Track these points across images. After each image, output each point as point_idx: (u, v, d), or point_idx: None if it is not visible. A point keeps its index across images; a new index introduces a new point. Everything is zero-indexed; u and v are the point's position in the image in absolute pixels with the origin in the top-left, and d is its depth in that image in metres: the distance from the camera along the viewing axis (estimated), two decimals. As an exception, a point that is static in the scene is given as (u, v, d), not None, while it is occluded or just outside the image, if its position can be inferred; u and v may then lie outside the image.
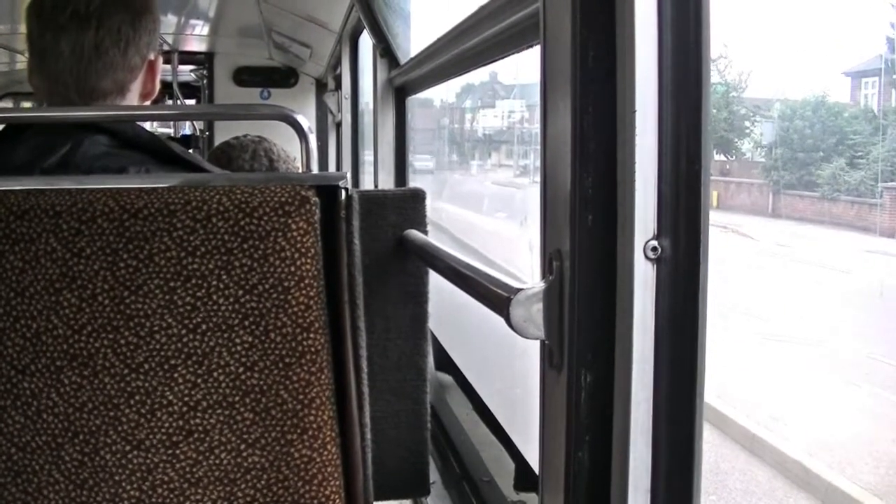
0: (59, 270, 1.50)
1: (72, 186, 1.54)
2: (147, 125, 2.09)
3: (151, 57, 2.07)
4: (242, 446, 1.57)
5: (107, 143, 1.93)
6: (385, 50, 4.24)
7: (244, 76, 8.17)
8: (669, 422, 1.30)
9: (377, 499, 1.81)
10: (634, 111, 1.27)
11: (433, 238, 2.20)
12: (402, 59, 4.13)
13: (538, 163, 1.48)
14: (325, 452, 1.59)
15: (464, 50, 2.80)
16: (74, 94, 1.97)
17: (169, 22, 6.87)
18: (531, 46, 2.20)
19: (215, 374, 1.54)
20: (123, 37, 1.99)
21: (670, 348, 1.29)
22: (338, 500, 1.63)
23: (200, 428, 1.56)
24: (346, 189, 1.61)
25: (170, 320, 1.53)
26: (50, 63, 1.96)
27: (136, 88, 2.06)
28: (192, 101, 9.66)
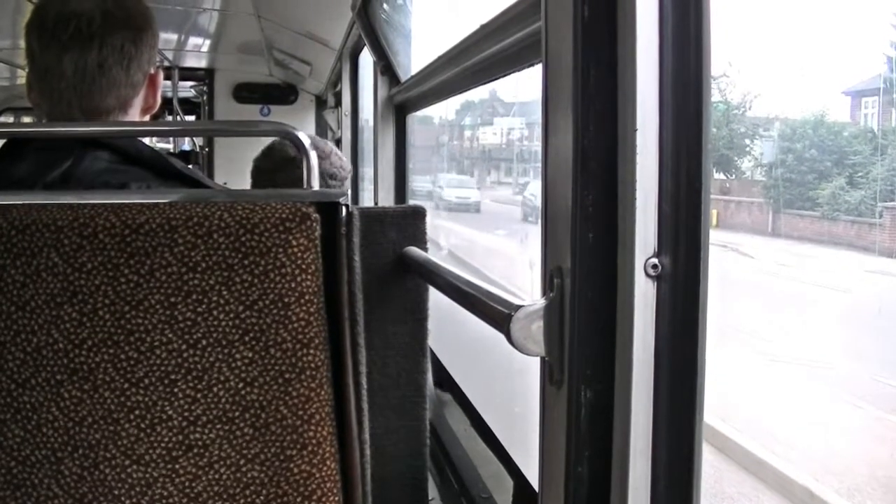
0: (61, 285, 1.51)
1: (73, 201, 1.54)
2: (146, 140, 2.10)
3: (152, 71, 2.08)
4: (242, 461, 1.57)
5: (108, 159, 1.93)
6: (385, 67, 4.25)
7: (244, 92, 8.19)
8: (669, 438, 1.30)
9: (376, 515, 1.81)
10: (636, 130, 1.28)
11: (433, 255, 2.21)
12: (403, 77, 4.14)
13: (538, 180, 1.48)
14: (325, 468, 1.59)
15: (465, 68, 2.81)
16: (77, 111, 1.97)
17: (169, 39, 6.89)
18: (532, 65, 2.20)
19: (215, 389, 1.54)
20: (126, 54, 1.99)
21: (670, 365, 1.29)
22: None
23: (200, 443, 1.56)
24: (347, 206, 1.61)
25: (170, 335, 1.53)
26: (52, 81, 1.97)
27: (137, 104, 2.06)
28: (191, 117, 9.68)
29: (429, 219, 2.29)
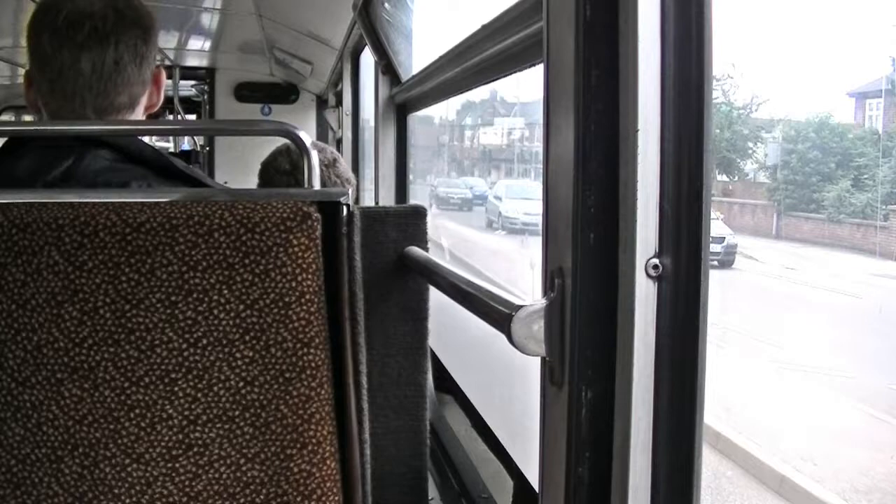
0: (61, 283, 1.51)
1: (74, 200, 1.54)
2: (146, 139, 2.11)
3: (154, 69, 2.10)
4: (242, 460, 1.57)
5: (109, 158, 1.94)
6: (387, 67, 4.25)
7: (245, 92, 8.20)
8: (669, 438, 1.30)
9: (376, 514, 1.81)
10: (637, 130, 1.28)
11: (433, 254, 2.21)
12: (404, 76, 4.14)
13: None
14: (325, 467, 1.59)
15: (466, 68, 2.81)
16: (90, 110, 1.99)
17: (171, 38, 6.90)
18: (533, 65, 2.20)
19: (215, 388, 1.54)
20: (139, 52, 2.02)
21: (671, 365, 1.29)
22: None
23: (200, 442, 1.56)
24: (348, 205, 1.61)
25: (171, 334, 1.53)
26: (67, 81, 1.98)
27: (144, 101, 2.08)
28: (191, 116, 9.69)
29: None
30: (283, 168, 3.16)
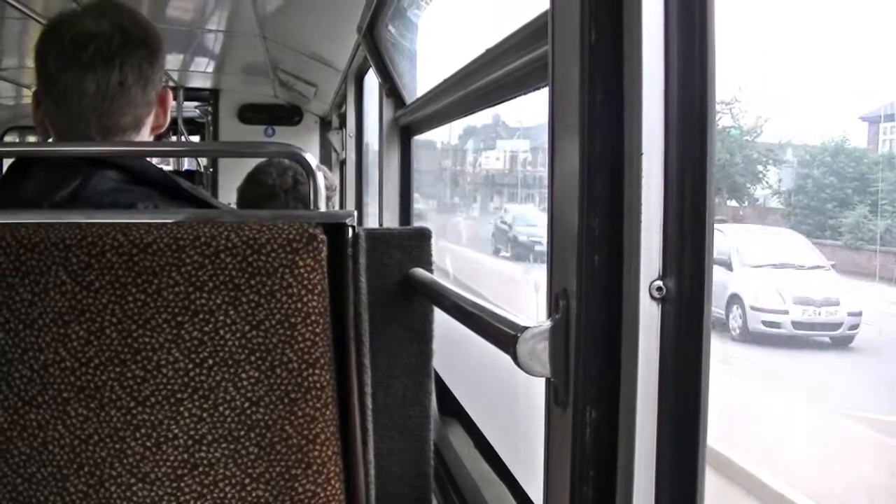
0: (68, 303, 1.51)
1: (82, 220, 1.55)
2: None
3: (160, 90, 2.11)
4: (247, 480, 1.57)
5: (116, 179, 1.94)
6: (391, 89, 4.25)
7: (249, 113, 8.22)
8: (673, 459, 1.31)
9: (379, 535, 1.81)
10: (641, 153, 1.29)
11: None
12: (408, 99, 4.14)
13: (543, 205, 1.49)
14: (329, 488, 1.59)
15: (470, 91, 2.82)
16: (95, 130, 1.99)
17: (175, 59, 6.92)
18: (538, 89, 2.21)
19: (221, 408, 1.55)
20: (144, 73, 2.02)
21: (674, 386, 1.29)
22: None
23: (205, 461, 1.57)
24: (353, 227, 1.62)
25: (177, 354, 1.53)
26: (72, 101, 1.98)
27: (149, 122, 2.09)
28: (194, 138, 9.71)
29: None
30: (250, 199, 3.19)
